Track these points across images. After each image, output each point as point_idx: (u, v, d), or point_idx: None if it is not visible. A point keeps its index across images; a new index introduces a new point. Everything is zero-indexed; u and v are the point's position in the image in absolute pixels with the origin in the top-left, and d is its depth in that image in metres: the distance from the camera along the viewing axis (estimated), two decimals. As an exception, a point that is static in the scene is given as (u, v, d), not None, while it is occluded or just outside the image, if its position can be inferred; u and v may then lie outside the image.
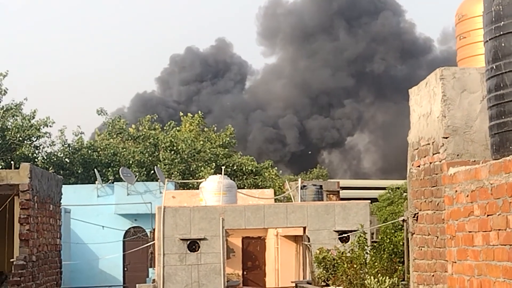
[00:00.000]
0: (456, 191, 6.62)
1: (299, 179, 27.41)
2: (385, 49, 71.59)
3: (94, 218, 29.21)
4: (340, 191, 39.53)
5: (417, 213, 7.89)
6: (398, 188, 41.43)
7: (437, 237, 7.36)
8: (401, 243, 14.28)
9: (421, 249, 7.86)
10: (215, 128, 44.02)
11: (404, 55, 71.37)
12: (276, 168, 43.39)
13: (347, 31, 72.28)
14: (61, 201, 15.28)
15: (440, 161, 7.21)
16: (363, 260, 15.28)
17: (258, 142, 68.01)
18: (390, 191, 42.21)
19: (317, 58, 71.76)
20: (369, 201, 22.76)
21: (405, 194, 38.01)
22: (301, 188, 25.38)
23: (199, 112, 45.21)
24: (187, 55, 79.00)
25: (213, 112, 69.60)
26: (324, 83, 71.57)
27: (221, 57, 78.34)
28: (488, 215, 5.97)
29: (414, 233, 8.04)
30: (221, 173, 23.57)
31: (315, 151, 69.55)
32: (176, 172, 36.27)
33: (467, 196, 6.35)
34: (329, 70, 71.78)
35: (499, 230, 5.80)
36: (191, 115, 44.47)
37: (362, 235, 16.28)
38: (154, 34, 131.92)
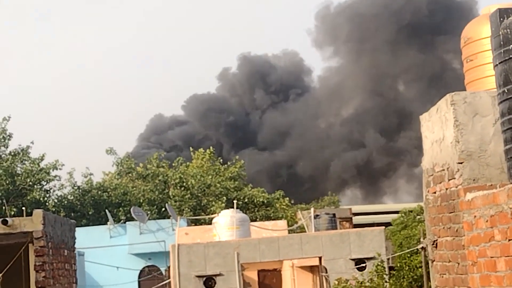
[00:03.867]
0: (475, 216, 6.55)
1: (312, 208, 27.31)
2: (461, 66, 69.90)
3: (108, 259, 29.09)
4: (353, 218, 39.45)
5: (436, 240, 7.81)
6: (411, 211, 41.20)
7: (458, 263, 7.28)
8: (419, 268, 14.17)
9: (443, 277, 7.77)
10: (221, 161, 43.93)
11: None
12: (287, 198, 43.24)
13: (420, 46, 69.84)
14: (75, 246, 15.22)
15: (456, 187, 7.15)
16: (383, 289, 15.15)
17: (341, 170, 66.26)
18: (403, 214, 41.98)
19: (389, 71, 69.46)
20: (383, 226, 22.64)
21: (418, 217, 37.80)
22: (314, 218, 25.26)
23: (211, 147, 45.17)
24: (243, 74, 76.47)
25: (285, 143, 67.55)
26: (399, 96, 69.81)
27: (288, 72, 75.73)
28: (509, 240, 5.89)
29: (434, 260, 7.95)
30: (232, 207, 23.50)
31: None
32: (187, 208, 36.21)
33: (487, 221, 6.28)
34: (402, 83, 69.65)
35: (521, 254, 5.74)
36: (203, 150, 44.44)
37: (379, 263, 16.16)
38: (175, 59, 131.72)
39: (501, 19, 6.16)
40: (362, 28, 70.11)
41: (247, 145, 68.23)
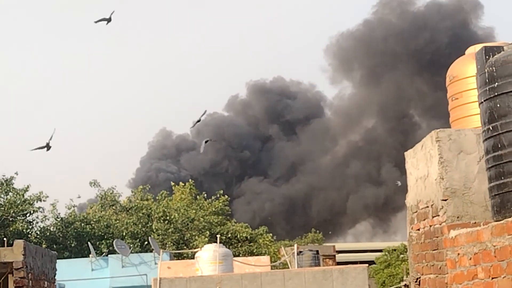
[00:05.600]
0: (458, 254, 6.53)
1: (295, 245, 27.19)
2: None
3: (89, 292, 28.80)
4: (336, 255, 39.33)
5: (419, 277, 7.77)
6: (395, 250, 41.14)
7: (441, 301, 7.23)
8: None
9: (425, 314, 7.73)
10: (205, 195, 43.76)
11: None
12: (271, 234, 43.09)
13: (439, 83, 68.83)
14: (55, 277, 15.07)
15: (440, 224, 7.14)
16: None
17: (358, 207, 65.34)
18: (387, 253, 41.91)
19: (408, 107, 68.56)
20: (367, 264, 22.54)
21: (401, 256, 37.75)
22: (298, 254, 25.15)
23: (190, 180, 45.09)
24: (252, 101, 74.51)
25: (298, 177, 66.65)
26: (418, 132, 69.36)
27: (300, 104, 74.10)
28: (492, 278, 5.88)
29: (417, 298, 7.90)
30: (215, 242, 23.33)
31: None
32: (170, 242, 35.97)
33: (470, 259, 6.27)
34: (422, 119, 69.00)
35: (505, 293, 5.71)
36: (183, 184, 44.35)
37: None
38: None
39: (487, 56, 6.21)
40: (379, 64, 69.40)
41: (257, 176, 67.33)
